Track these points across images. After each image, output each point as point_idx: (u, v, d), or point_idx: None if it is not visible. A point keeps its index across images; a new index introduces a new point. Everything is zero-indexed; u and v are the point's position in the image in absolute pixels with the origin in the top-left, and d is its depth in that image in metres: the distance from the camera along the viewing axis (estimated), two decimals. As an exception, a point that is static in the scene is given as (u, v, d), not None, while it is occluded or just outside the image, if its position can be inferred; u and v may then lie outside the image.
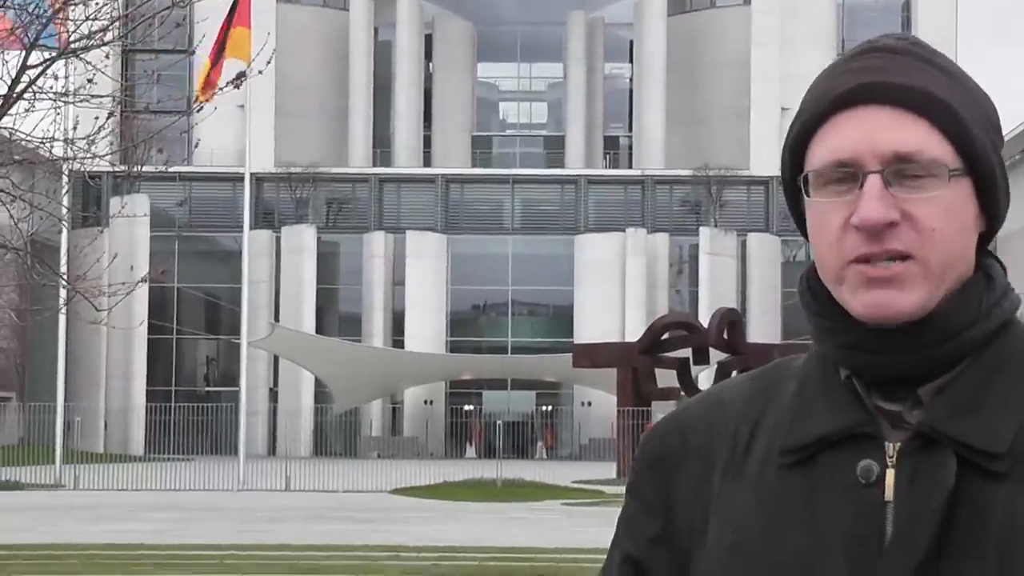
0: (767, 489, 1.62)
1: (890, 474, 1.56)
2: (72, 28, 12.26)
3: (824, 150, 1.60)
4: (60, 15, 12.04)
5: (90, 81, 12.20)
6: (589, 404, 65.25)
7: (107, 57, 12.09)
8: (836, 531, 1.56)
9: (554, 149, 78.17)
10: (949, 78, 1.61)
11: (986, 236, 1.64)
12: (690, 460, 1.69)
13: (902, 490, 1.55)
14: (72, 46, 11.95)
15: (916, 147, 1.56)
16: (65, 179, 18.07)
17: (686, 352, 38.88)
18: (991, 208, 1.62)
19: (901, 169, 1.56)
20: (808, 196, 1.61)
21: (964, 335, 1.59)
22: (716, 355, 38.74)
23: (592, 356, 43.75)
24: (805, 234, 1.65)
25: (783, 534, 1.58)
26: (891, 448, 1.57)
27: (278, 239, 68.82)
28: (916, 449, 1.56)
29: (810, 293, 1.65)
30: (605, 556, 1.78)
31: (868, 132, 1.57)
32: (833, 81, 1.62)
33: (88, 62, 12.06)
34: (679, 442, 1.70)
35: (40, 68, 11.81)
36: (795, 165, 1.64)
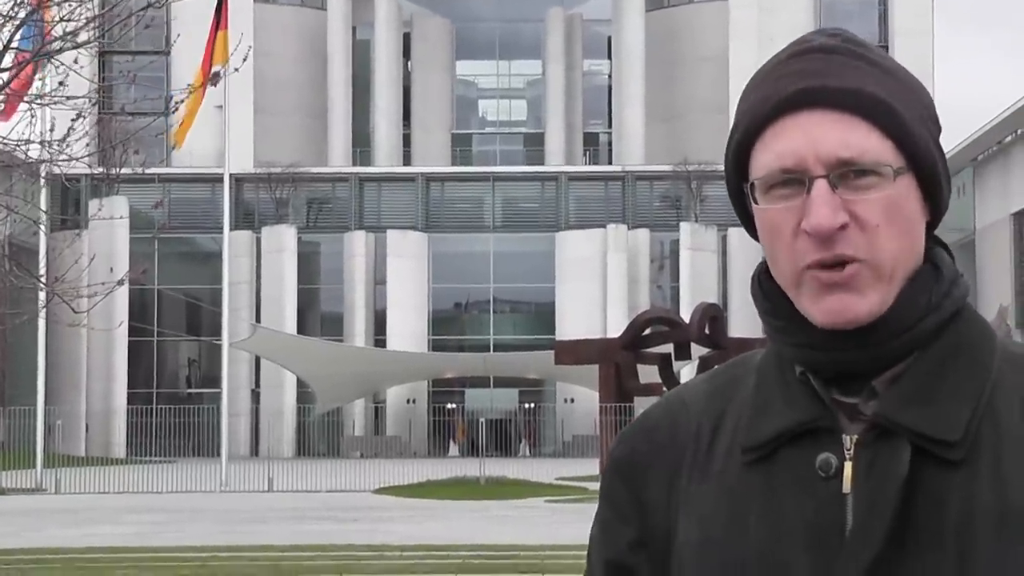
0: (730, 486, 1.63)
1: (848, 466, 1.58)
2: (46, 30, 12.19)
3: (768, 156, 1.61)
4: (33, 17, 11.96)
5: (61, 84, 12.13)
6: (572, 401, 65.26)
7: (76, 62, 11.98)
8: (797, 525, 1.57)
9: (534, 146, 78.17)
10: (885, 74, 1.63)
11: (931, 224, 1.66)
12: (657, 461, 1.70)
13: (860, 481, 1.56)
14: (46, 48, 11.88)
15: (859, 150, 1.58)
16: (43, 181, 17.99)
17: (668, 347, 38.87)
18: (934, 199, 1.65)
19: (846, 172, 1.58)
20: (756, 203, 1.63)
21: (917, 328, 1.60)
22: (698, 350, 38.75)
23: (574, 352, 43.67)
24: (753, 234, 1.66)
25: (746, 530, 1.60)
26: (849, 441, 1.59)
27: (258, 240, 68.64)
28: (872, 440, 1.58)
29: (761, 292, 1.66)
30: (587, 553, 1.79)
31: (811, 137, 1.58)
32: (773, 84, 1.63)
33: (62, 63, 11.99)
34: (645, 444, 1.72)
35: (13, 70, 11.74)
36: (739, 169, 1.66)
